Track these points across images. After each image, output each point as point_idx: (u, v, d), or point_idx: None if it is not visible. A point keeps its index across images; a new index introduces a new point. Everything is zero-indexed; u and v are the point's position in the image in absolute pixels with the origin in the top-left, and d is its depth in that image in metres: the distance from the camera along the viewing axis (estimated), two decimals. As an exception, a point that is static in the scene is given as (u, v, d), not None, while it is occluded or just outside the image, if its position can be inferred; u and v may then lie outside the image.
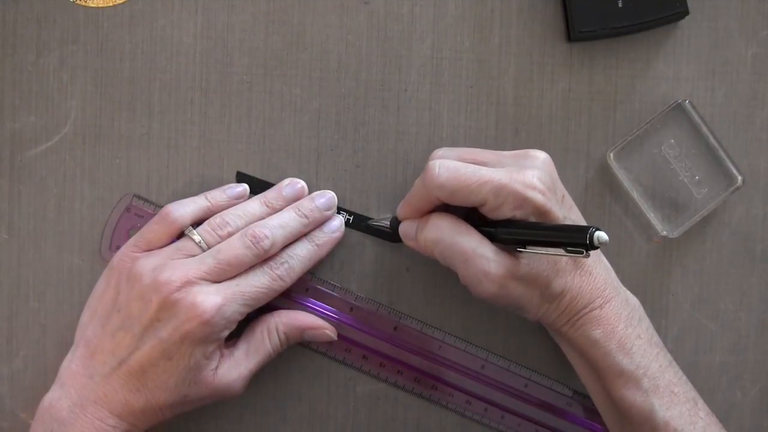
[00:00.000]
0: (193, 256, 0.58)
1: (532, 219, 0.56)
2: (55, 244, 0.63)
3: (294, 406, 0.64)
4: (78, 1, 0.63)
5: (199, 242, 0.59)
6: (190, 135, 0.63)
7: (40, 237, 0.63)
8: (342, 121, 0.63)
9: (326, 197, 0.62)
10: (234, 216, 0.60)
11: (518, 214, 0.55)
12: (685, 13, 0.62)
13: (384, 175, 0.64)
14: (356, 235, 0.63)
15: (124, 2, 0.63)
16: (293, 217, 0.60)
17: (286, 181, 0.62)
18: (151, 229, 0.60)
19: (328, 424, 0.64)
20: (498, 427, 0.64)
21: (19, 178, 0.63)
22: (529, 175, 0.55)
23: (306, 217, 0.61)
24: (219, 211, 0.60)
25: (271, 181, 0.63)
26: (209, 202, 0.61)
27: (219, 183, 0.63)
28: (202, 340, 0.56)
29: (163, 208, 0.60)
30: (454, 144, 0.63)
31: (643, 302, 0.61)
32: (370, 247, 0.64)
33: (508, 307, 0.58)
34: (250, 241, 0.58)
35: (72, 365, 0.58)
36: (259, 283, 0.58)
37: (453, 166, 0.56)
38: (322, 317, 0.62)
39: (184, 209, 0.60)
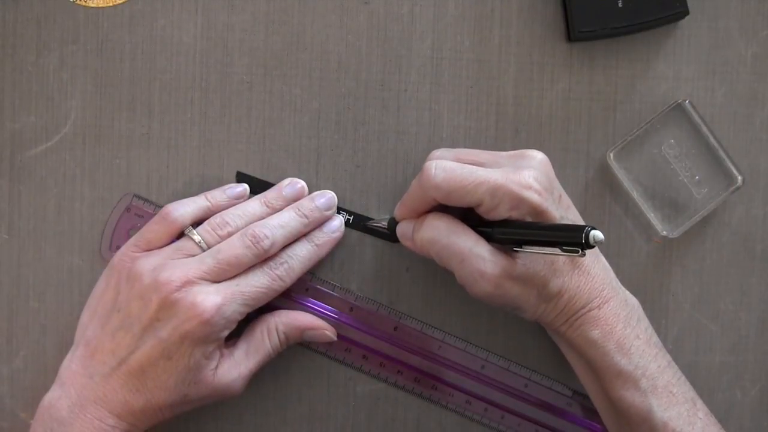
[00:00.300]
0: (193, 255, 0.58)
1: (529, 219, 0.56)
2: (55, 244, 0.63)
3: (294, 406, 0.64)
4: (78, 1, 0.63)
5: (199, 242, 0.59)
6: (190, 135, 0.63)
7: (40, 237, 0.63)
8: (342, 121, 0.63)
9: (326, 197, 0.62)
10: (234, 216, 0.60)
11: (514, 215, 0.55)
12: (685, 13, 0.62)
13: (384, 175, 0.64)
14: (356, 235, 0.63)
15: (124, 2, 0.63)
16: (293, 217, 0.60)
17: (286, 181, 0.62)
18: (151, 229, 0.60)
19: (328, 424, 0.64)
20: (498, 427, 0.64)
21: (19, 178, 0.63)
22: (525, 175, 0.55)
23: (306, 217, 0.61)
24: (219, 211, 0.60)
25: (271, 181, 0.63)
26: (209, 202, 0.61)
27: (219, 183, 0.63)
28: (202, 340, 0.56)
29: (163, 208, 0.60)
30: (454, 144, 0.63)
31: (643, 302, 0.61)
32: (370, 247, 0.64)
33: (505, 307, 0.58)
34: (250, 240, 0.58)
35: (72, 365, 0.58)
36: (258, 283, 0.58)
37: (449, 167, 0.56)
38: (322, 317, 0.63)
39: (184, 209, 0.60)
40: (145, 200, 0.63)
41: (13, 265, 0.63)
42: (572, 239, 0.52)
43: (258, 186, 0.63)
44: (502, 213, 0.55)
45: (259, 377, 0.61)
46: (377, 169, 0.64)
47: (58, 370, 0.59)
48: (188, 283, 0.56)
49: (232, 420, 0.64)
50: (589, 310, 0.57)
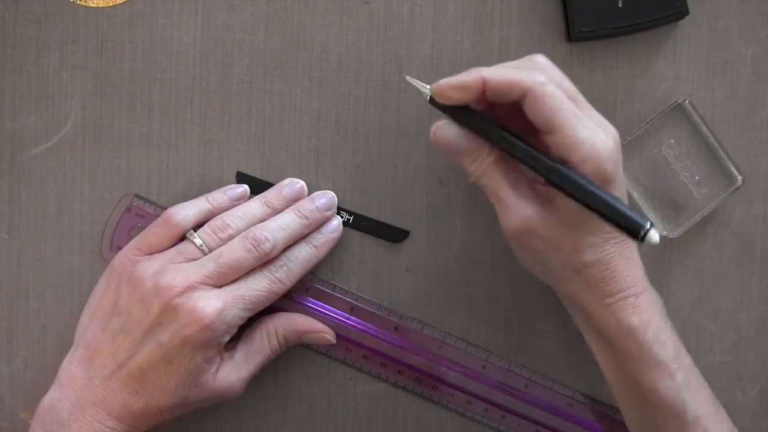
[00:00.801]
0: (195, 259, 0.58)
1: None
2: (55, 244, 0.63)
3: (294, 406, 0.64)
4: (78, 1, 0.63)
5: (201, 245, 0.59)
6: (190, 135, 0.63)
7: (40, 237, 0.63)
8: (342, 121, 0.63)
9: (326, 197, 0.62)
10: (234, 218, 0.60)
11: (584, 168, 0.53)
12: (685, 13, 0.62)
13: (384, 175, 0.64)
14: (356, 235, 0.63)
15: (124, 2, 0.63)
16: (294, 218, 0.60)
17: (286, 181, 0.62)
18: (153, 233, 0.60)
19: (328, 424, 0.64)
20: (498, 427, 0.64)
21: (19, 178, 0.63)
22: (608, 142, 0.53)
23: (306, 218, 0.61)
24: (220, 213, 0.60)
25: (271, 181, 0.63)
26: (210, 204, 0.61)
27: (219, 183, 0.63)
28: (203, 345, 0.56)
29: (165, 212, 0.60)
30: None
31: (643, 302, 0.61)
32: (370, 247, 0.64)
33: (533, 263, 0.57)
34: (251, 244, 0.58)
35: (71, 366, 0.58)
36: (259, 286, 0.58)
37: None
38: (322, 317, 0.63)
39: (186, 212, 0.60)
40: (146, 200, 0.63)
41: (13, 265, 0.63)
42: (627, 225, 0.50)
43: (258, 186, 0.63)
44: (575, 161, 0.53)
45: (259, 377, 0.61)
46: (377, 169, 0.64)
47: (58, 371, 0.59)
48: (190, 288, 0.56)
49: (232, 420, 0.64)
50: (628, 297, 0.56)
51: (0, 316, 0.63)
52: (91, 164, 0.63)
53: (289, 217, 0.60)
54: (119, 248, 0.61)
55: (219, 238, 0.59)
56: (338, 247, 0.63)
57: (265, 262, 0.59)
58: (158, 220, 0.60)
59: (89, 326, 0.59)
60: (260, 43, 0.63)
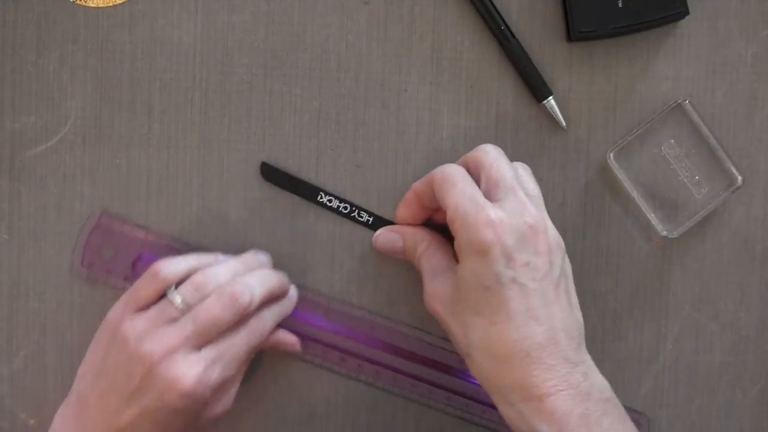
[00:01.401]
0: (176, 319, 0.58)
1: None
2: (55, 244, 0.63)
3: (294, 407, 0.64)
4: (78, 1, 0.63)
5: (179, 305, 0.58)
6: (190, 135, 0.63)
7: (40, 237, 0.63)
8: (342, 121, 0.63)
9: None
10: (216, 274, 0.59)
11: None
12: (685, 13, 0.62)
13: (384, 175, 0.64)
14: (357, 236, 0.63)
15: (124, 2, 0.63)
16: (269, 273, 0.60)
17: (250, 253, 0.62)
18: (141, 287, 0.59)
19: (328, 424, 0.64)
20: (498, 429, 0.63)
21: (19, 178, 0.63)
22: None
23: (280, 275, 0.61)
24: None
25: (290, 173, 0.63)
26: (200, 263, 0.60)
27: (219, 183, 0.63)
28: (185, 409, 0.56)
29: (153, 265, 0.59)
30: (453, 143, 0.63)
31: (643, 302, 0.61)
32: (369, 248, 0.64)
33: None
34: (228, 300, 0.57)
35: (67, 415, 0.59)
36: (236, 343, 0.58)
37: None
38: (321, 327, 0.63)
39: (175, 267, 0.59)
40: (116, 216, 0.62)
41: (13, 265, 0.63)
42: None
43: (282, 179, 0.62)
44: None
45: (259, 378, 0.62)
46: (377, 169, 0.64)
47: (54, 418, 0.59)
48: (169, 353, 0.56)
49: (231, 420, 0.64)
50: (530, 399, 0.53)
51: (0, 316, 0.63)
52: (91, 164, 0.63)
53: (264, 271, 0.60)
54: (90, 264, 0.61)
55: (198, 295, 0.58)
56: (339, 249, 0.63)
57: (243, 316, 0.58)
58: (146, 274, 0.59)
59: (84, 377, 0.59)
60: (260, 43, 0.63)
